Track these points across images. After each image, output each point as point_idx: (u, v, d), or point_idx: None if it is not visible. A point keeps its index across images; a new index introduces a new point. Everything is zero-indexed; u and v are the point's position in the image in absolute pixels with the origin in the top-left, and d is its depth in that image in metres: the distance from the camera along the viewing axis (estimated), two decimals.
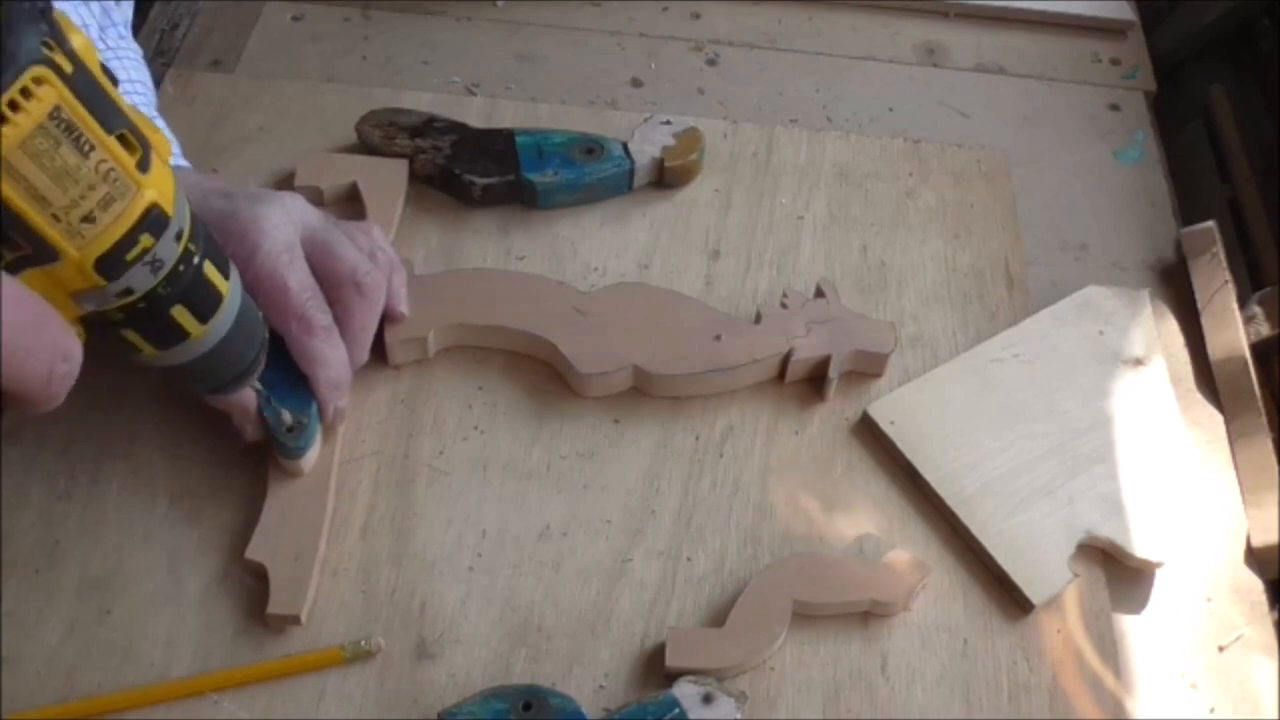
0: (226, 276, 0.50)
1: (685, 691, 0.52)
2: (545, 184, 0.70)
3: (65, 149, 0.40)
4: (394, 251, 0.64)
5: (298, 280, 0.56)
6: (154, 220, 0.44)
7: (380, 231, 0.64)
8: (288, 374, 0.58)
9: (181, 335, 0.48)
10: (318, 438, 0.59)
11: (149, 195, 0.43)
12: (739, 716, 0.52)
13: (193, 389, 0.54)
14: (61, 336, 0.39)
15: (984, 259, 0.72)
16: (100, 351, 0.64)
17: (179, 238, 0.46)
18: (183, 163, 0.64)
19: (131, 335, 0.47)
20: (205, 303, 0.49)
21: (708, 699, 0.52)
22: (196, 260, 0.47)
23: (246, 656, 0.55)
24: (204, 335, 0.49)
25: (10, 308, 0.36)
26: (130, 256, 0.43)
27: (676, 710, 0.52)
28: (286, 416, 0.57)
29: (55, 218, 0.40)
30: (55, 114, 0.39)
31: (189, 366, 0.50)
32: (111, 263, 0.43)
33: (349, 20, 0.82)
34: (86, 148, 0.40)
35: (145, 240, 0.44)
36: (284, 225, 0.56)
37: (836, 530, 0.60)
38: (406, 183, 0.71)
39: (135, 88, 0.61)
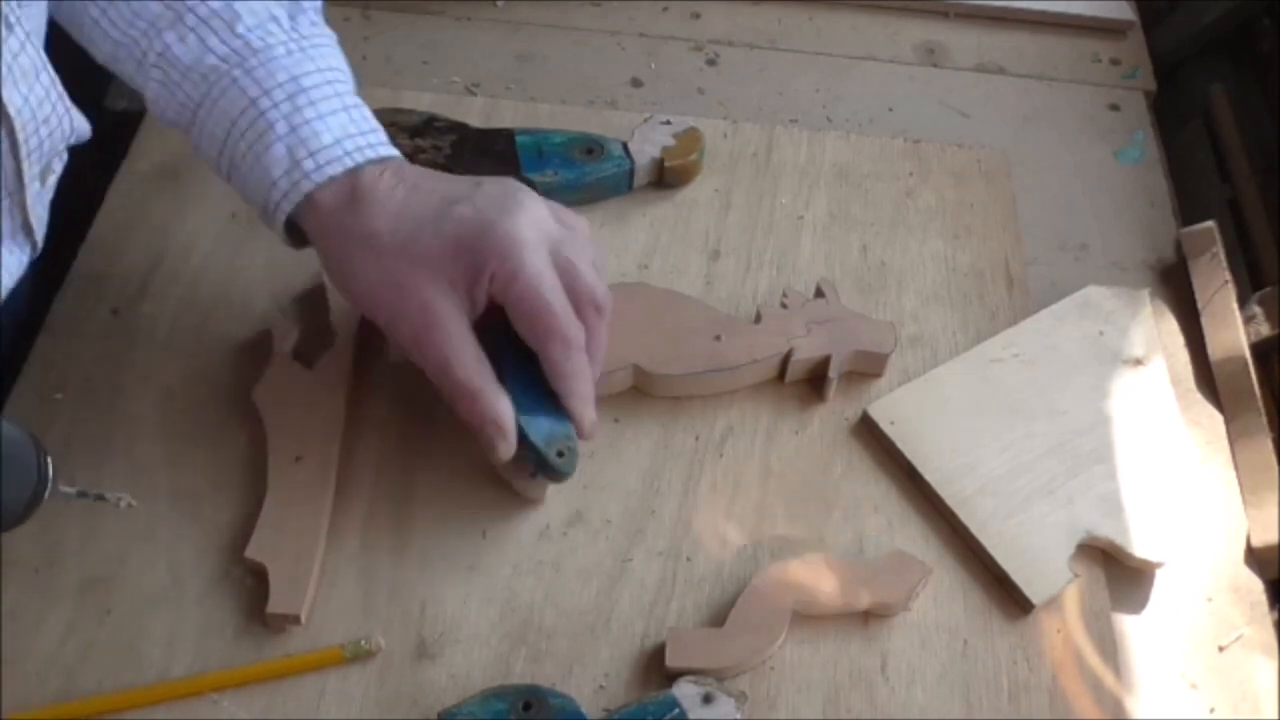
0: None
1: (685, 691, 0.52)
2: (545, 184, 0.70)
3: None
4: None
5: (560, 302, 0.55)
6: None
7: (584, 223, 0.60)
8: (538, 392, 0.56)
9: None
10: None
11: None
12: (739, 716, 0.52)
13: None
14: None
15: (984, 259, 0.72)
16: (100, 355, 0.64)
17: None
18: (393, 152, 0.59)
19: None
20: None
21: (708, 699, 0.52)
22: None
23: (246, 656, 0.55)
24: None
25: None
26: None
27: (676, 710, 0.52)
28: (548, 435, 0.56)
29: None
30: None
31: None
32: None
33: (349, 20, 0.82)
34: None
35: None
36: (539, 245, 0.55)
37: (836, 530, 0.60)
38: None
39: (332, 74, 0.58)
